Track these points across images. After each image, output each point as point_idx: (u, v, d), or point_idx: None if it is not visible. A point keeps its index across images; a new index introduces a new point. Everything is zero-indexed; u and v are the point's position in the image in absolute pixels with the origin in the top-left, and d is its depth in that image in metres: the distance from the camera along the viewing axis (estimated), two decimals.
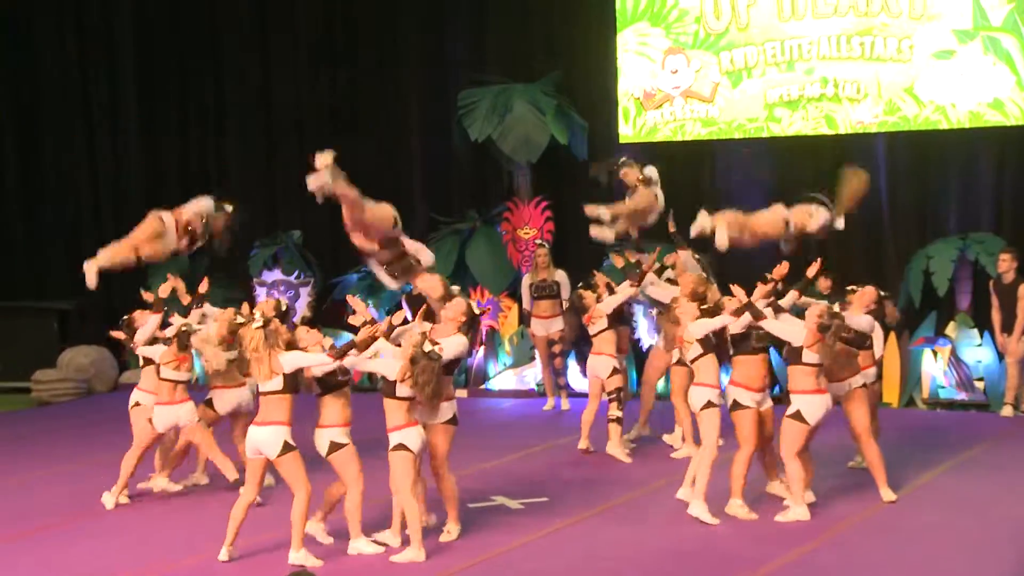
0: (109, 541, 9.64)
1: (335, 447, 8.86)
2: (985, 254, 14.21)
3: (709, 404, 9.76)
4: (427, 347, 8.75)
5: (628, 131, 15.74)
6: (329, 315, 17.04)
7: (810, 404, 9.55)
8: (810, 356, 9.53)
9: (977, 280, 14.40)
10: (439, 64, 17.11)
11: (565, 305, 14.46)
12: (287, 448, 8.75)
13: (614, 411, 11.68)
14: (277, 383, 8.77)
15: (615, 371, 11.78)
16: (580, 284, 12.54)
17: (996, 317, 13.75)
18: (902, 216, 15.20)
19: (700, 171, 16.11)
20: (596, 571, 8.63)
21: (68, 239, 18.67)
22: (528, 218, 16.14)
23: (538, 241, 15.19)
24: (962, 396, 14.13)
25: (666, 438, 12.27)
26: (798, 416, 9.54)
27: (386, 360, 8.89)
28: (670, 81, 15.49)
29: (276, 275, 17.10)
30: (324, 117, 17.70)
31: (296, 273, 17.10)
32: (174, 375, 10.51)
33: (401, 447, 8.81)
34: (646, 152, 16.06)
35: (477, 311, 9.43)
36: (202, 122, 18.25)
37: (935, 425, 13.24)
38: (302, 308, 17.01)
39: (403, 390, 8.81)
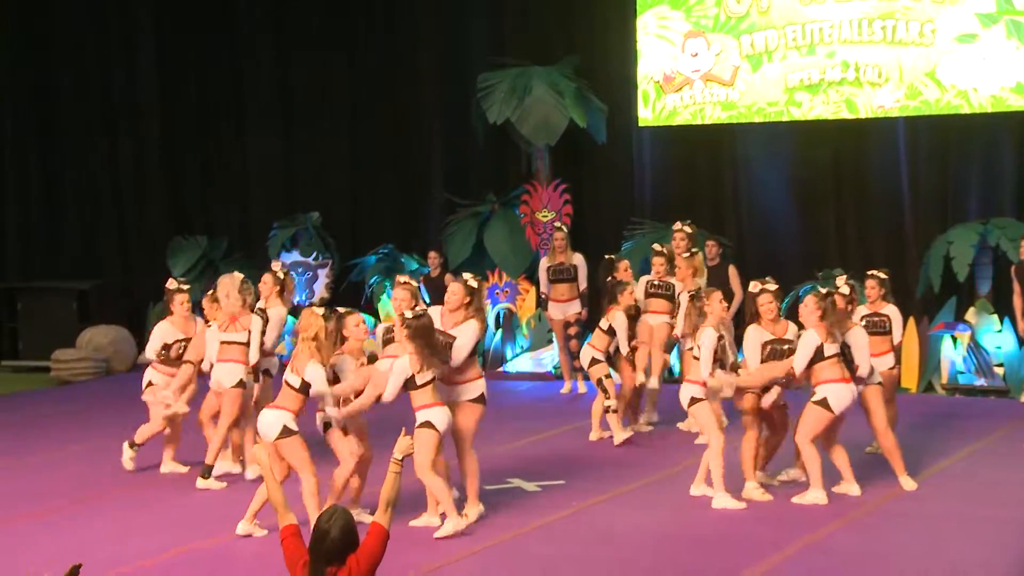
0: (128, 521, 9.68)
1: (287, 432, 8.85)
2: (1006, 239, 14.14)
3: (694, 400, 9.77)
4: (408, 313, 8.90)
5: (647, 114, 15.70)
6: (346, 296, 17.11)
7: (837, 393, 9.50)
8: (829, 348, 9.50)
9: (998, 266, 14.34)
10: (458, 46, 17.09)
11: (582, 288, 14.43)
12: (286, 432, 8.79)
13: (605, 401, 11.68)
14: (296, 381, 8.87)
15: (595, 361, 11.78)
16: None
17: (1018, 303, 13.63)
18: (923, 201, 15.14)
19: (719, 155, 16.07)
20: (612, 554, 8.63)
21: (87, 220, 18.74)
22: (546, 201, 16.13)
23: (556, 224, 15.14)
24: (981, 382, 14.08)
25: (680, 425, 12.25)
26: (824, 403, 9.50)
27: (395, 375, 8.94)
28: (690, 64, 15.44)
29: (294, 257, 17.13)
30: (343, 98, 17.71)
31: (314, 255, 17.14)
32: (230, 336, 10.48)
33: (427, 425, 8.87)
34: (665, 135, 16.07)
35: (475, 284, 9.30)
36: (222, 104, 18.27)
37: (953, 411, 13.19)
38: (320, 289, 17.04)
39: (421, 378, 8.87)
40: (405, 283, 9.49)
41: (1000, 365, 14.07)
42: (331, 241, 17.36)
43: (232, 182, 18.37)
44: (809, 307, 9.56)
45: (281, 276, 11.08)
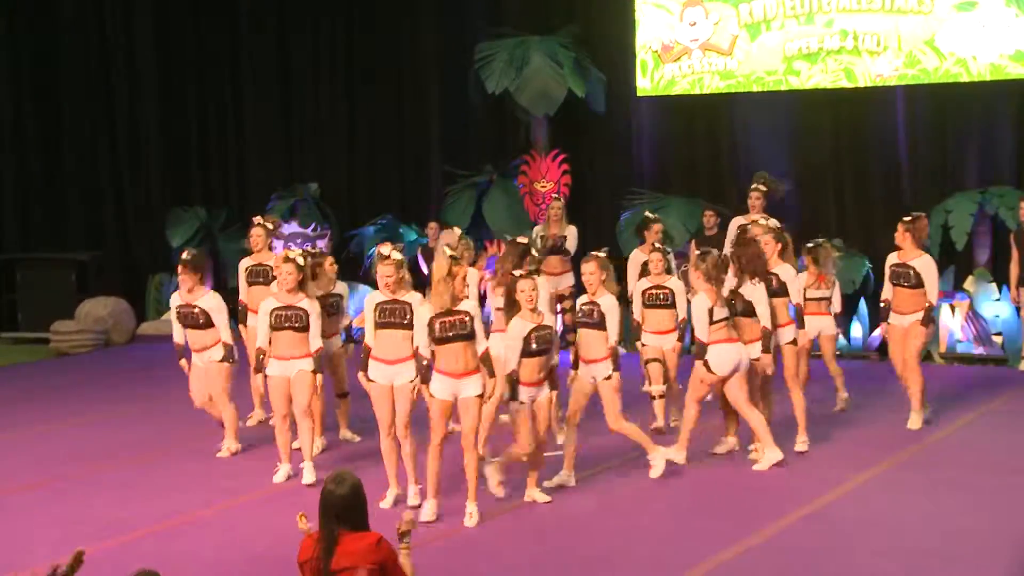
0: (128, 491, 9.71)
1: None
2: (1005, 208, 14.13)
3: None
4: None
5: (646, 84, 15.66)
6: (345, 268, 17.09)
7: (719, 354, 9.60)
8: (718, 312, 9.64)
9: (996, 234, 14.33)
10: (456, 16, 17.03)
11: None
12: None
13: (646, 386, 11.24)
14: None
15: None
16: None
17: (1013, 270, 13.54)
18: (921, 170, 15.12)
19: (718, 125, 16.04)
20: (612, 524, 8.66)
21: (87, 191, 18.71)
22: (545, 171, 16.10)
23: (554, 195, 14.96)
24: (979, 351, 14.10)
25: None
26: (707, 365, 9.64)
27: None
28: (688, 34, 15.39)
29: (293, 227, 17.10)
30: (341, 70, 17.67)
31: (313, 226, 17.11)
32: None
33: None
34: (664, 105, 16.03)
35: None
36: (219, 75, 18.22)
37: (952, 380, 13.21)
38: None
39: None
40: (387, 257, 9.20)
41: (998, 334, 14.09)
42: (330, 212, 17.33)
43: (230, 153, 18.34)
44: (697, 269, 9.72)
45: (271, 227, 11.30)
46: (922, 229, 11.00)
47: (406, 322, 8.83)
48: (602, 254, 9.67)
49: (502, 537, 8.46)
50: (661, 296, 10.79)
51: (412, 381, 8.82)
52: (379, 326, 8.88)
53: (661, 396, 10.84)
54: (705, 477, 9.61)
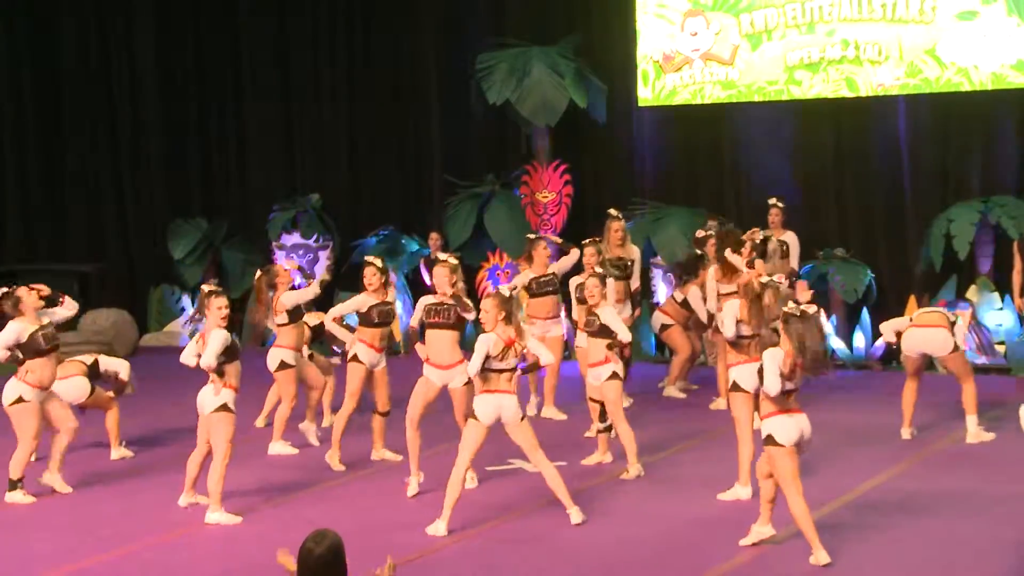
0: (130, 502, 9.71)
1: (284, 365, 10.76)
2: (1007, 217, 14.12)
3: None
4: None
5: (647, 94, 15.66)
6: (348, 278, 17.11)
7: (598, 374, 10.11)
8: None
9: (999, 243, 14.32)
10: (457, 27, 17.05)
11: (635, 287, 12.84)
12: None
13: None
14: None
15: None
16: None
17: (1016, 279, 13.44)
18: (923, 179, 15.11)
19: (720, 135, 16.03)
20: (612, 537, 8.65)
21: (89, 203, 18.73)
22: (547, 181, 16.10)
23: (613, 212, 13.19)
24: (982, 360, 14.07)
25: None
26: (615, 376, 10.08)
27: None
28: (689, 44, 15.40)
29: (295, 239, 17.13)
30: (342, 80, 17.69)
31: (315, 237, 17.13)
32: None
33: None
34: (665, 115, 16.03)
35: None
36: (220, 86, 18.25)
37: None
38: (321, 271, 17.04)
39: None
40: (444, 261, 9.75)
41: (1001, 343, 14.07)
42: (332, 223, 17.34)
43: (231, 164, 18.35)
44: None
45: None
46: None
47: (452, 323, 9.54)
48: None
49: (501, 546, 8.45)
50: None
51: None
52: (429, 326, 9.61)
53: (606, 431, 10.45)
54: (703, 488, 9.59)
